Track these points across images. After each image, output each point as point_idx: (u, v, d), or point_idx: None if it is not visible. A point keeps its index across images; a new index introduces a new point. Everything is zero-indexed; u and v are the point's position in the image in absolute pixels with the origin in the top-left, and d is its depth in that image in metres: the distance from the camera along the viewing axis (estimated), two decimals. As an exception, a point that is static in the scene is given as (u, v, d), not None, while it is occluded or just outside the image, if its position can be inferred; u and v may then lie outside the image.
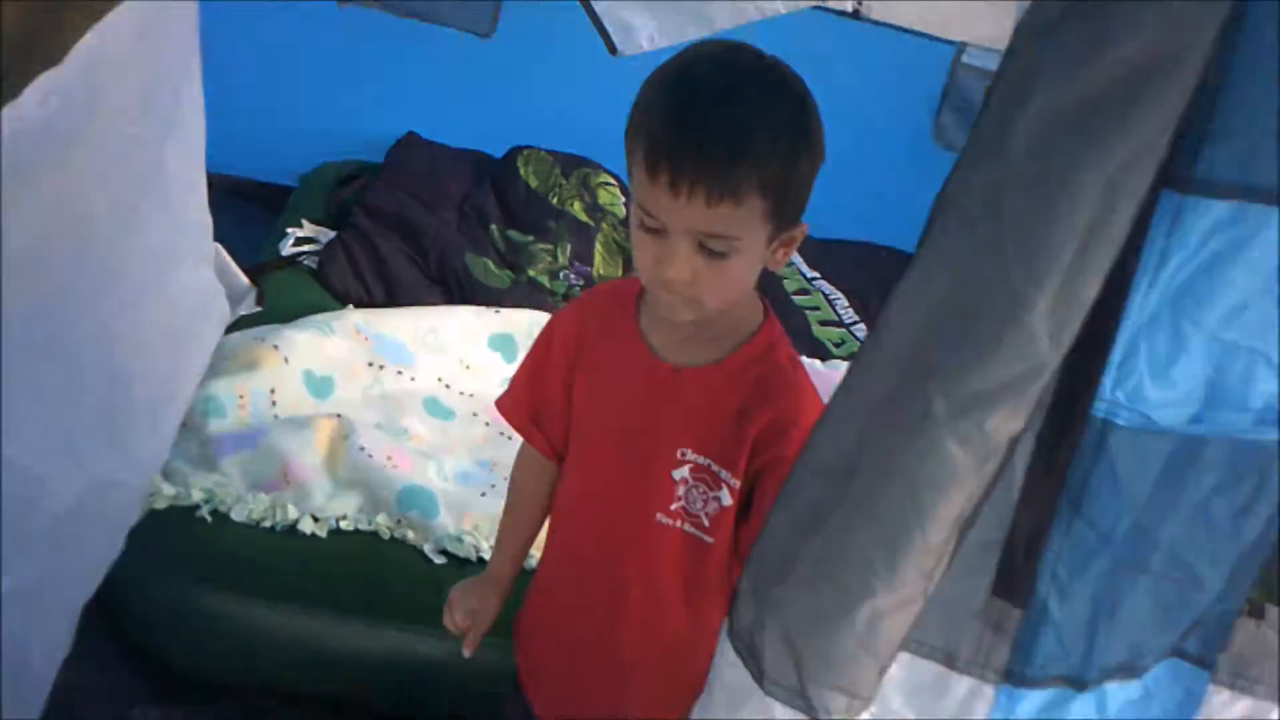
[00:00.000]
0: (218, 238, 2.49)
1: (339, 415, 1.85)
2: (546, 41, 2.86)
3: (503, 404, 1.31)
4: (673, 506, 1.15)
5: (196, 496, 1.62)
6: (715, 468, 1.13)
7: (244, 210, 2.84)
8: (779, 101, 1.02)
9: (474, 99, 2.96)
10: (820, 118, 1.06)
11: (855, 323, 2.84)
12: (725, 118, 1.00)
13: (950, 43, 3.09)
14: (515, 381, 1.30)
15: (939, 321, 0.72)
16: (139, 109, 2.00)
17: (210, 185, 2.85)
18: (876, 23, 3.04)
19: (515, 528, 1.35)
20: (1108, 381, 0.75)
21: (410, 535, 1.70)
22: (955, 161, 0.73)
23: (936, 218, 0.73)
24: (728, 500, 1.13)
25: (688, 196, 1.00)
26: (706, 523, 1.15)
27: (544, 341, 1.27)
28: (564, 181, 2.83)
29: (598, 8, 2.66)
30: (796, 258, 3.05)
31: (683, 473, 1.14)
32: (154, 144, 2.04)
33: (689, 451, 1.14)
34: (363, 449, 1.77)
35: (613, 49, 2.70)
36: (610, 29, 2.68)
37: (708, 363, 1.14)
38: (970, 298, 0.71)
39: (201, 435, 1.75)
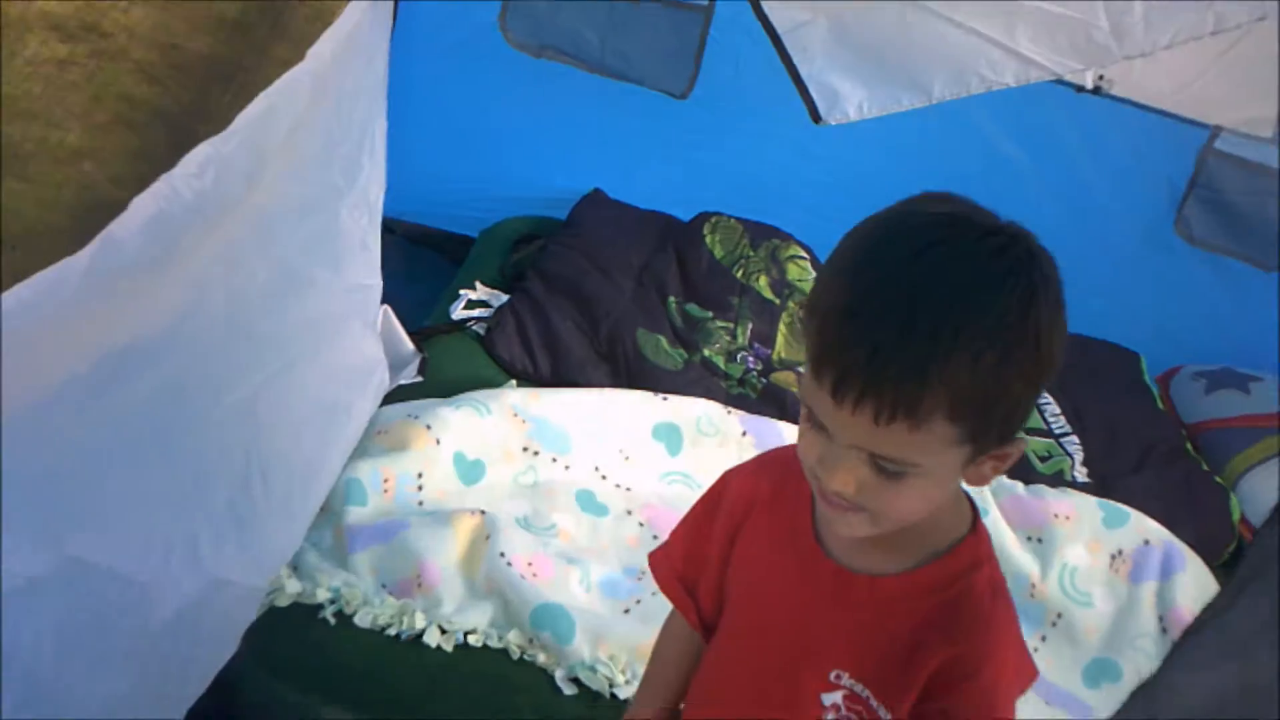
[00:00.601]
0: (395, 289, 2.43)
1: (483, 511, 1.71)
2: (745, 103, 2.69)
3: (656, 561, 1.13)
4: None
5: (321, 596, 1.51)
6: (874, 703, 0.92)
7: (425, 260, 2.79)
8: (998, 299, 0.79)
9: (666, 159, 2.81)
10: (1060, 313, 0.82)
11: (1066, 434, 2.52)
12: (912, 320, 0.78)
13: (1203, 126, 2.73)
14: (673, 538, 1.12)
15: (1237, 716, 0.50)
16: (316, 169, 1.94)
17: (393, 232, 2.82)
18: (1120, 99, 2.72)
19: (654, 697, 1.17)
20: None
21: (541, 658, 1.55)
22: (1269, 519, 0.50)
23: (1240, 588, 0.50)
24: None
25: (852, 409, 0.79)
26: None
27: (712, 498, 1.08)
28: (751, 253, 2.64)
29: (804, 73, 2.46)
30: (1002, 352, 2.76)
31: (834, 698, 0.93)
32: (329, 204, 1.97)
33: (845, 675, 0.93)
34: (502, 555, 1.63)
35: (816, 116, 2.50)
36: (815, 95, 2.48)
37: (887, 573, 0.92)
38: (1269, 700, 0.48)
39: (338, 522, 1.64)
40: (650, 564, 1.13)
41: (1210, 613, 0.56)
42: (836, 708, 0.93)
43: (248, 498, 1.49)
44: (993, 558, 0.94)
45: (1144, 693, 0.58)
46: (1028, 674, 0.96)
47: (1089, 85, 2.71)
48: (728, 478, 1.08)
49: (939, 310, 0.78)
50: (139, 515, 1.23)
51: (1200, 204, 2.82)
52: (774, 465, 1.04)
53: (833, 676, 0.93)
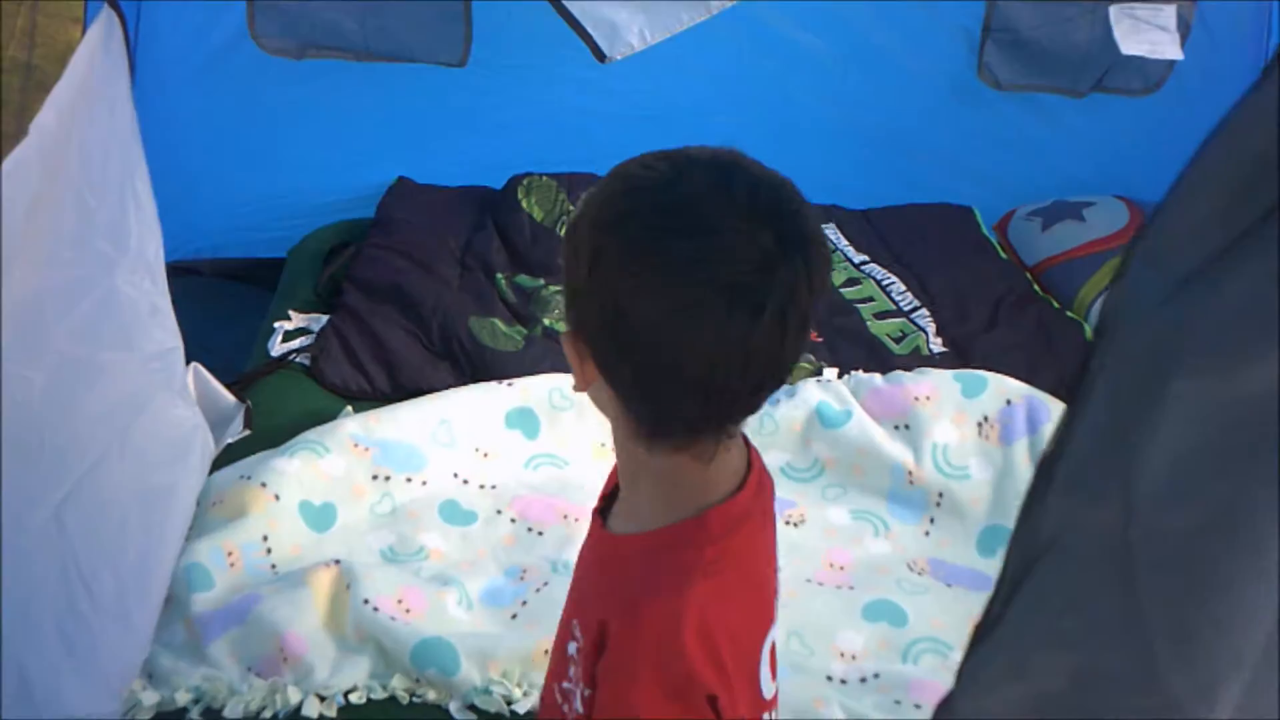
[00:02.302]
0: (210, 336, 2.31)
1: (338, 561, 1.64)
2: (528, 56, 2.59)
3: None
4: (564, 684, 0.94)
5: (183, 699, 1.43)
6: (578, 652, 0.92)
7: (241, 296, 2.65)
8: (636, 220, 0.81)
9: (465, 130, 2.70)
10: (674, 264, 0.79)
11: (915, 309, 2.53)
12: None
13: (985, -34, 2.72)
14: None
15: None
16: (73, 245, 1.80)
17: (200, 274, 2.68)
18: (898, -41, 2.69)
19: None
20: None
21: (431, 695, 1.50)
22: (1037, 475, 0.46)
23: (1024, 571, 0.46)
24: (579, 707, 0.90)
25: None
26: (571, 716, 0.93)
27: None
28: (571, 207, 2.57)
29: (577, 13, 2.37)
30: (841, 240, 2.75)
31: (573, 648, 0.92)
32: (101, 278, 1.83)
33: (577, 626, 0.91)
34: (367, 602, 1.56)
35: (600, 55, 2.42)
36: (594, 34, 2.39)
37: (625, 533, 0.91)
38: (1094, 702, 0.44)
39: (186, 614, 1.56)
40: None
41: (986, 625, 0.52)
42: (572, 658, 0.92)
43: (77, 619, 1.40)
44: (718, 543, 0.86)
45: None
46: (698, 684, 0.82)
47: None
48: None
49: (592, 203, 0.84)
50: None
51: (999, 47, 2.82)
52: None
53: (572, 627, 0.92)
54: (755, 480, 0.91)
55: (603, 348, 0.83)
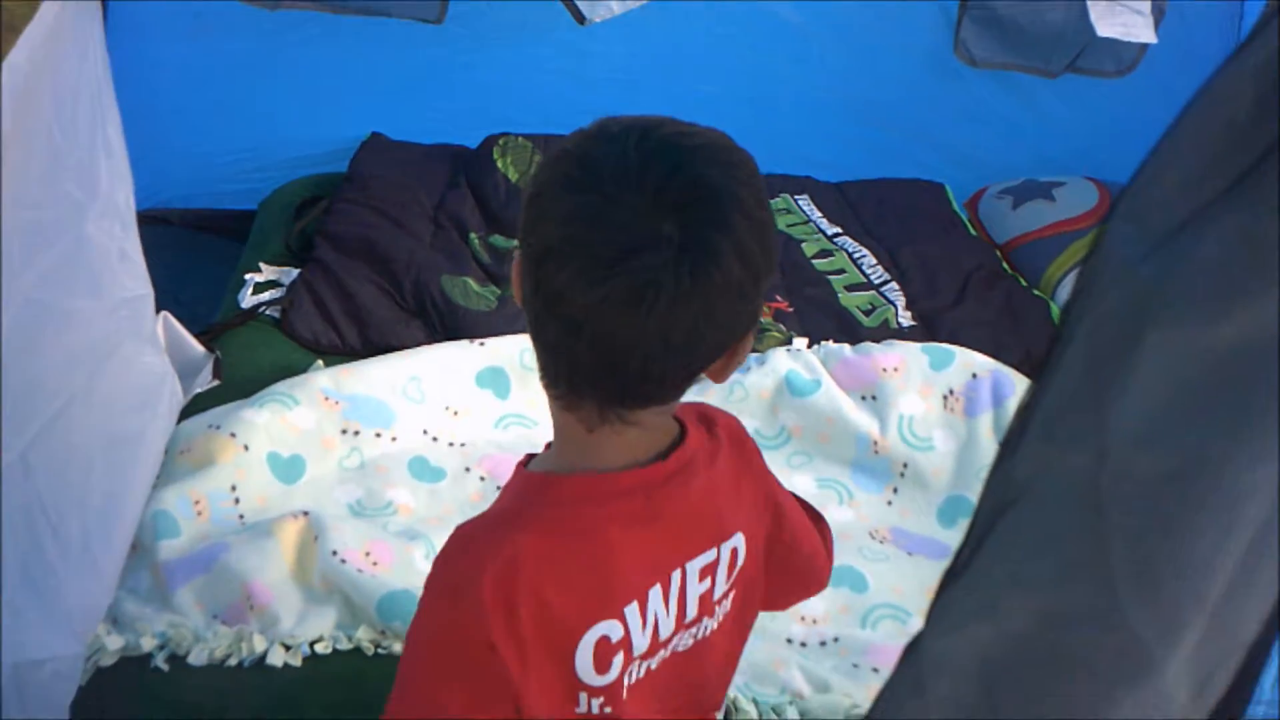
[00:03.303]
0: (179, 287, 2.29)
1: (306, 513, 1.64)
2: (507, 15, 2.57)
3: None
4: None
5: (148, 645, 1.43)
6: None
7: (211, 247, 2.63)
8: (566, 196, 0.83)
9: (442, 87, 2.69)
10: (563, 201, 0.81)
11: (885, 282, 2.56)
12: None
13: (965, -58, 2.72)
14: None
15: (1004, 672, 0.48)
16: (42, 187, 1.78)
17: (169, 222, 2.65)
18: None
19: None
20: (1267, 681, 0.51)
21: (397, 647, 1.51)
22: (1013, 423, 0.47)
23: (996, 516, 0.47)
24: None
25: None
26: None
27: None
28: (547, 169, 2.56)
29: (559, -25, 2.37)
30: (815, 213, 2.76)
31: None
32: (70, 223, 1.81)
33: None
34: (335, 553, 1.57)
35: (580, 18, 2.42)
36: (575, -4, 2.40)
37: (530, 469, 0.94)
38: (1059, 641, 0.46)
39: (153, 560, 1.56)
40: None
41: (956, 569, 0.54)
42: None
43: (42, 561, 1.39)
44: (565, 508, 0.88)
45: (910, 659, 0.56)
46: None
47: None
48: None
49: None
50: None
51: (975, 24, 2.83)
52: None
53: None
54: (656, 475, 0.88)
55: (523, 267, 0.84)
